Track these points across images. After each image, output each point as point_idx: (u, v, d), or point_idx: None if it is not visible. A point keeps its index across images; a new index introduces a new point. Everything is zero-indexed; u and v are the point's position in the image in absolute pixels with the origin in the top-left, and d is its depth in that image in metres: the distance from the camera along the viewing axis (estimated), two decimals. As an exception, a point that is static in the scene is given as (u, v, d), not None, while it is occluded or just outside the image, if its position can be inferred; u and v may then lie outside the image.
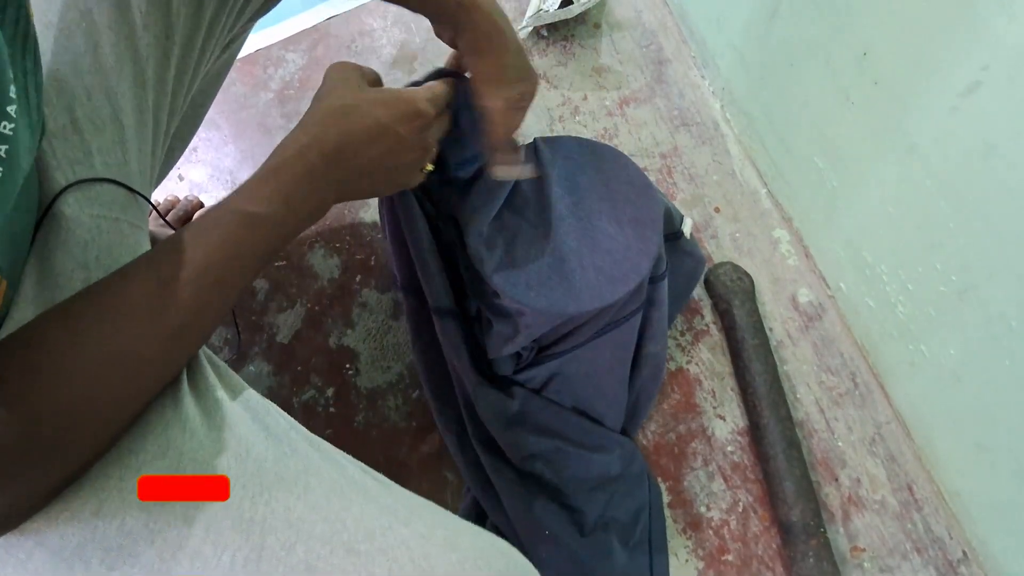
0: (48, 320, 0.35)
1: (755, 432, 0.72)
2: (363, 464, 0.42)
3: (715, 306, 0.80)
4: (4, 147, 0.29)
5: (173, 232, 0.82)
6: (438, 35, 0.56)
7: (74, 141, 0.44)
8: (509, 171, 0.61)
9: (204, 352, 0.44)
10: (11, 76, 0.30)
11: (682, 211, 0.85)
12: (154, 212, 0.86)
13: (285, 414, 0.43)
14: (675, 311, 0.78)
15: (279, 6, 0.62)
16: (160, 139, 0.53)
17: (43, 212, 0.40)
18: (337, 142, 0.46)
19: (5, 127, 0.29)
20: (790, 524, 0.67)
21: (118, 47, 0.46)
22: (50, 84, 0.43)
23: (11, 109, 0.30)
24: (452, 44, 0.56)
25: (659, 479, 0.72)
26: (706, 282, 0.80)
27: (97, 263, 0.41)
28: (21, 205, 0.38)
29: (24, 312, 0.38)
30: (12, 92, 0.30)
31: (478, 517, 0.69)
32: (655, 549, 0.67)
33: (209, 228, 0.40)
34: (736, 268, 0.79)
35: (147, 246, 0.48)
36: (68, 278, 0.40)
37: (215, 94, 0.65)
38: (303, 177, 0.44)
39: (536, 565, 0.65)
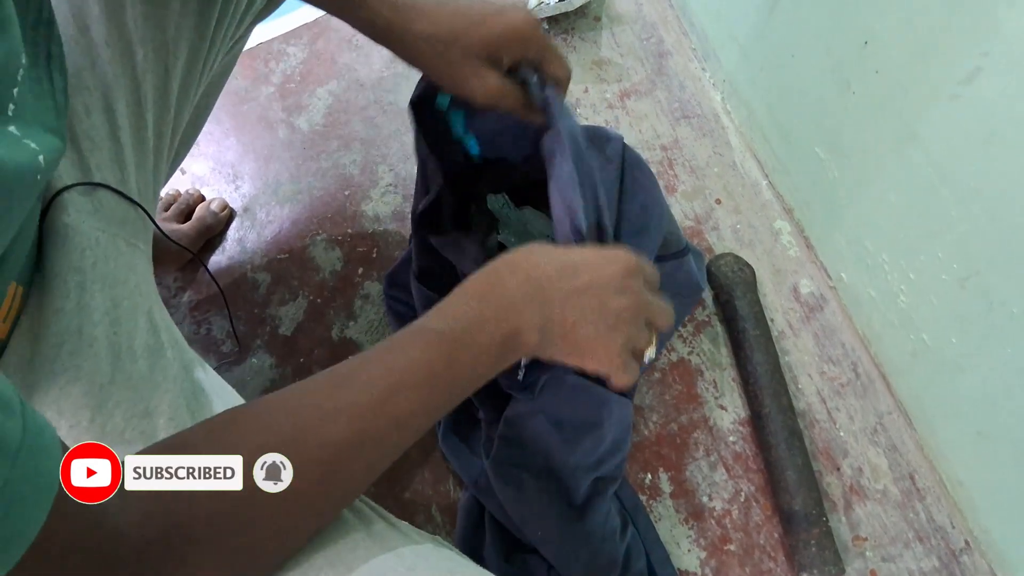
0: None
1: (757, 422, 0.72)
2: (370, 501, 0.41)
3: (716, 297, 0.80)
4: None
5: (179, 229, 0.82)
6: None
7: (73, 158, 0.43)
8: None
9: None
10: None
11: (683, 202, 0.86)
12: (159, 206, 0.86)
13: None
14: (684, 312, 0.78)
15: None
16: (163, 154, 0.52)
17: (40, 219, 0.40)
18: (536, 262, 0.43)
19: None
20: (792, 513, 0.67)
21: (115, 63, 0.46)
22: None
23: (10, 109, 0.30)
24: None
25: (661, 469, 0.72)
26: (708, 273, 0.80)
27: (94, 269, 0.41)
28: (24, 216, 0.38)
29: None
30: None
31: (480, 510, 0.69)
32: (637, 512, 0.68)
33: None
34: (737, 259, 0.79)
35: (145, 264, 0.48)
36: (63, 281, 0.40)
37: (219, 94, 0.65)
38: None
39: (536, 544, 0.64)
